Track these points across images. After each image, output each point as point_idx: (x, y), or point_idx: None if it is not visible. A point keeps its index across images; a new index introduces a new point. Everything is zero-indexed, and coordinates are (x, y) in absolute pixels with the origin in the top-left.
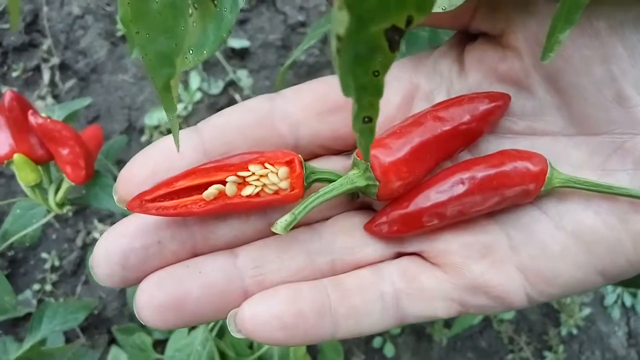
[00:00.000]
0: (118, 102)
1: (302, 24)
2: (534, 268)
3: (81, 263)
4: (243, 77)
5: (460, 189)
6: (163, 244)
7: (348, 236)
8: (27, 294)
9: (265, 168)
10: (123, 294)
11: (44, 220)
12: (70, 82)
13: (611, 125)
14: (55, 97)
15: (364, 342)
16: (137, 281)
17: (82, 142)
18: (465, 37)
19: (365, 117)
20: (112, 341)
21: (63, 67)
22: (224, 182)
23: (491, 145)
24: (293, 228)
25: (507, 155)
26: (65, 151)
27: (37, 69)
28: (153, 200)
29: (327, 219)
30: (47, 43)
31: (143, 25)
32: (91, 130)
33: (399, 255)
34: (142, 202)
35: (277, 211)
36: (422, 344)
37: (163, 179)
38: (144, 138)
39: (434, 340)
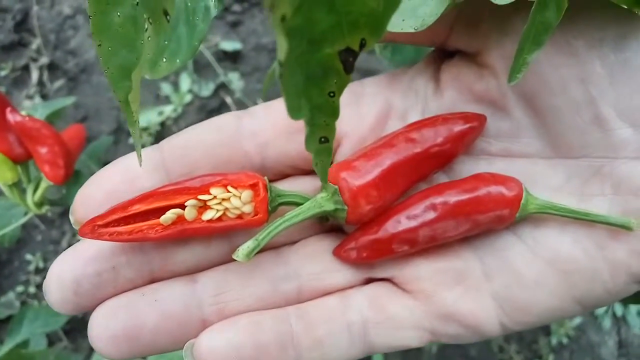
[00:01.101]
0: (107, 103)
1: None
2: (509, 296)
3: None
4: (234, 79)
5: (432, 214)
6: (118, 270)
7: (316, 261)
8: (11, 296)
9: (228, 191)
10: None
11: (22, 220)
12: (59, 82)
13: (589, 149)
14: (44, 96)
15: None
16: (91, 308)
17: (61, 141)
18: (442, 54)
19: (322, 137)
20: None
21: (52, 66)
22: (183, 206)
23: (466, 166)
24: (258, 253)
25: (481, 180)
26: (43, 150)
27: (26, 69)
28: (106, 225)
29: (294, 242)
30: (36, 42)
31: (105, 38)
32: (73, 129)
33: (369, 280)
34: (94, 228)
35: (242, 234)
36: (412, 351)
37: (118, 203)
38: (132, 140)
39: (424, 348)
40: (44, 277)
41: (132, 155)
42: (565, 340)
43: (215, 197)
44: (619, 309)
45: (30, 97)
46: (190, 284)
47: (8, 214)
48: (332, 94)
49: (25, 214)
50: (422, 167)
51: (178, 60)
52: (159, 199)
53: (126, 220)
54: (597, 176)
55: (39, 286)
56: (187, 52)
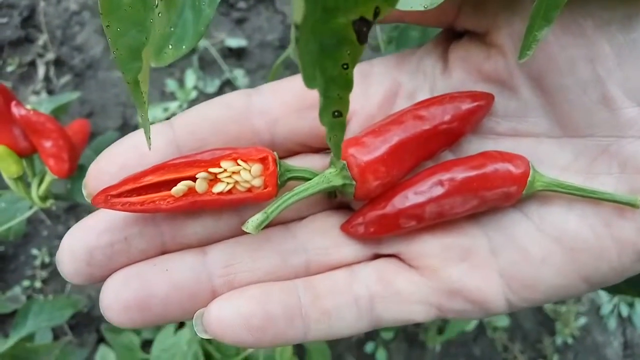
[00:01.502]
0: (113, 99)
1: None
2: (515, 273)
3: None
4: (239, 76)
5: (439, 190)
6: (130, 241)
7: (324, 236)
8: (17, 290)
9: (238, 165)
10: None
11: (27, 214)
12: (65, 78)
13: (596, 128)
14: (50, 92)
15: (356, 347)
16: (104, 279)
17: (66, 135)
18: (450, 35)
19: (335, 111)
20: (101, 340)
21: (58, 62)
22: (194, 179)
23: (473, 145)
24: (266, 227)
25: (488, 157)
26: (48, 144)
27: (33, 64)
28: (119, 195)
29: (303, 218)
30: (43, 38)
31: (114, 19)
32: (77, 124)
33: (376, 256)
34: (107, 198)
35: (251, 209)
36: (415, 350)
37: (131, 174)
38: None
39: (427, 347)
40: (50, 272)
41: (142, 131)
42: (570, 341)
43: (225, 170)
44: (624, 310)
45: (36, 93)
46: (201, 255)
47: (13, 208)
48: (345, 66)
49: (30, 207)
50: (430, 144)
51: (184, 47)
52: (170, 171)
53: (138, 192)
54: (604, 155)
55: (45, 281)
56: (194, 38)
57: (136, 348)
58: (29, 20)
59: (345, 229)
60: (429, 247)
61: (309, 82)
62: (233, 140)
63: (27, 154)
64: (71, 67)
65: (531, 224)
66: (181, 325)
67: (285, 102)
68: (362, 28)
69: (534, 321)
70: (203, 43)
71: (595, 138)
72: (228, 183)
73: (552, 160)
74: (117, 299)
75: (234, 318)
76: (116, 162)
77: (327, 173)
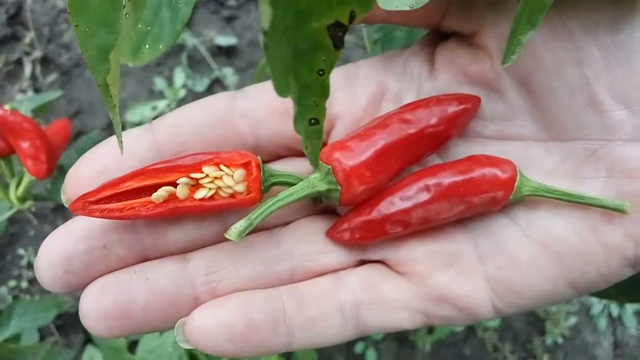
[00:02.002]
0: (100, 98)
1: None
2: (502, 279)
3: None
4: (229, 75)
5: (426, 195)
6: (109, 247)
7: (309, 243)
8: (3, 290)
9: (220, 170)
10: None
11: (7, 215)
12: (52, 76)
13: (584, 131)
14: (37, 90)
15: (346, 347)
16: (82, 287)
17: (44, 136)
18: (437, 36)
19: (312, 118)
20: (88, 340)
21: (45, 60)
22: (175, 184)
23: (460, 149)
24: (250, 233)
25: (475, 162)
26: (25, 144)
27: (19, 62)
28: (98, 202)
29: (287, 223)
30: (29, 36)
31: (82, 19)
32: (58, 124)
33: (362, 262)
34: (85, 204)
35: (234, 214)
36: (405, 350)
37: (110, 180)
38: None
39: (417, 347)
40: None
41: (124, 134)
42: (560, 340)
43: (207, 175)
44: (614, 310)
45: (23, 91)
46: (182, 262)
47: None
48: (321, 72)
49: (11, 208)
50: (416, 148)
51: (161, 46)
52: (150, 177)
53: (117, 198)
54: (591, 159)
55: (32, 281)
56: (170, 37)
57: (123, 349)
58: (15, 17)
59: (331, 234)
60: (416, 253)
61: (281, 90)
62: (216, 144)
63: (4, 155)
64: (58, 66)
65: (518, 230)
66: None
67: (269, 105)
68: (337, 33)
69: (524, 321)
70: (192, 41)
71: (582, 141)
72: (210, 189)
73: (539, 163)
74: (96, 308)
75: (217, 327)
76: (95, 166)
77: (311, 178)
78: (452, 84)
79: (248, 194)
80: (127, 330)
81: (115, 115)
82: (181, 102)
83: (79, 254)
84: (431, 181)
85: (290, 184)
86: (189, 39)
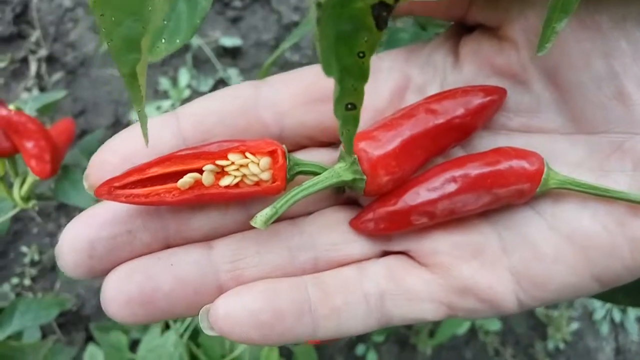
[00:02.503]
0: (105, 97)
1: (297, 24)
2: (526, 271)
3: None
4: (233, 75)
5: (452, 187)
6: (133, 233)
7: (332, 232)
8: (6, 287)
9: (246, 157)
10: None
11: (11, 213)
12: (58, 75)
13: (611, 124)
14: (42, 89)
15: (347, 349)
16: (105, 272)
17: (48, 136)
18: (461, 28)
19: (349, 103)
20: (89, 339)
21: (51, 59)
22: (200, 171)
23: (485, 141)
24: (274, 222)
25: (502, 154)
26: (30, 144)
27: (25, 61)
28: (123, 187)
29: (311, 213)
30: (35, 35)
31: (108, 7)
32: (62, 124)
33: (385, 253)
34: (111, 189)
35: (258, 203)
36: (406, 353)
37: (135, 165)
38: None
39: (418, 350)
40: (40, 270)
41: (149, 121)
42: (562, 345)
43: (233, 163)
44: (617, 315)
45: (28, 90)
46: (207, 250)
47: None
48: (362, 54)
49: (14, 207)
50: (442, 139)
51: (178, 40)
52: (176, 163)
53: (143, 183)
54: (617, 152)
55: (34, 278)
56: (188, 32)
57: (124, 348)
58: (21, 16)
59: (355, 224)
60: (440, 245)
61: (327, 70)
62: (240, 133)
63: (9, 155)
64: (63, 64)
65: (543, 222)
66: (167, 326)
67: (294, 95)
68: (381, 13)
69: (525, 325)
70: (197, 41)
71: (609, 135)
72: (235, 176)
73: (564, 157)
74: (119, 293)
75: (242, 314)
76: (119, 152)
77: (337, 167)
78: (477, 75)
79: (273, 182)
80: (151, 316)
81: (141, 107)
82: (185, 102)
83: (103, 240)
84: (458, 172)
85: (315, 174)
86: (194, 40)
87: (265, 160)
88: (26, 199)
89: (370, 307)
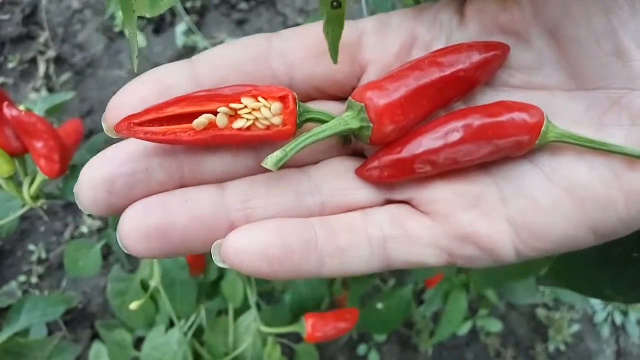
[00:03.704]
0: (112, 97)
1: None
2: (524, 221)
3: None
4: None
5: (455, 136)
6: (150, 171)
7: (339, 179)
8: (13, 285)
9: (258, 102)
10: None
11: (20, 212)
12: (66, 76)
13: (609, 80)
14: (50, 89)
15: (348, 348)
16: (122, 209)
17: (57, 136)
18: None
19: (334, 1)
20: (95, 336)
21: (59, 60)
22: (215, 113)
23: (487, 97)
24: (283, 167)
25: (504, 106)
26: (39, 144)
27: (34, 61)
28: (141, 124)
29: (318, 162)
30: (44, 35)
31: None
32: (70, 124)
33: (389, 202)
34: (130, 125)
35: (268, 149)
36: (407, 353)
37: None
38: None
39: (419, 351)
40: (46, 267)
41: (165, 67)
42: (562, 347)
43: (245, 106)
44: (618, 317)
45: (36, 90)
46: (219, 190)
47: (6, 206)
48: None
49: (23, 206)
50: (446, 90)
51: None
52: (192, 104)
53: (160, 122)
54: (615, 107)
55: (41, 276)
56: None
57: (128, 345)
58: (30, 17)
59: (360, 172)
60: (440, 194)
61: None
62: (253, 81)
63: (18, 154)
64: (71, 65)
65: (541, 174)
66: (172, 324)
67: (304, 47)
68: None
69: (526, 327)
70: (203, 43)
71: (607, 90)
72: (248, 119)
73: (563, 112)
74: (136, 227)
75: (253, 247)
76: (137, 95)
77: (344, 116)
78: (482, 33)
79: (284, 126)
80: (165, 250)
81: (132, 29)
82: None
83: (122, 176)
84: (461, 123)
85: (324, 121)
86: (201, 41)
87: (276, 105)
88: (35, 197)
89: (373, 249)
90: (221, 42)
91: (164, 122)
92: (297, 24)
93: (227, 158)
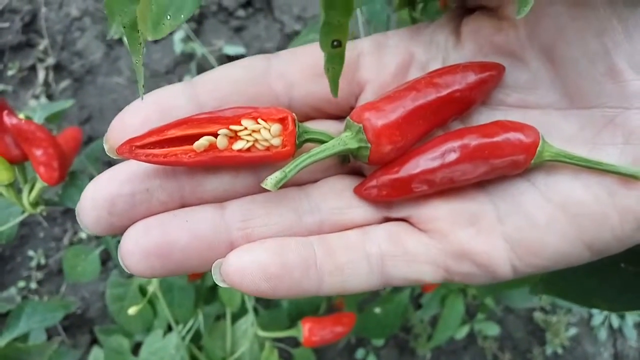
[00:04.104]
0: (111, 104)
1: (298, 34)
2: (520, 238)
3: None
4: None
5: (452, 156)
6: (151, 192)
7: (337, 198)
8: (12, 291)
9: (258, 123)
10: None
11: (20, 219)
12: (65, 83)
13: (603, 99)
14: (50, 96)
15: (347, 352)
16: (123, 229)
17: (56, 144)
18: (463, 10)
19: (335, 40)
20: (94, 341)
21: (58, 67)
22: (215, 135)
23: (483, 116)
24: (283, 187)
25: (501, 126)
26: (39, 152)
27: (33, 69)
28: (143, 146)
29: (317, 181)
30: (43, 43)
31: None
32: (69, 132)
33: (387, 220)
34: (132, 148)
35: (267, 169)
36: (405, 357)
37: (154, 127)
38: None
39: (418, 354)
40: (46, 273)
41: (166, 89)
42: (560, 351)
43: (246, 128)
44: (615, 321)
45: (36, 97)
46: (219, 209)
47: (6, 212)
48: None
49: (23, 212)
50: (443, 111)
51: (182, 16)
52: (193, 126)
53: (161, 144)
54: (609, 126)
55: (40, 282)
56: (192, 6)
57: (126, 351)
58: (30, 25)
59: (358, 191)
60: (438, 212)
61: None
62: (252, 101)
63: (18, 162)
64: (71, 72)
65: (537, 192)
66: (170, 329)
67: (303, 68)
68: None
69: (524, 331)
70: (201, 50)
71: (601, 109)
72: (248, 141)
73: (558, 130)
74: (137, 247)
75: (253, 266)
76: (139, 116)
77: (343, 136)
78: (478, 53)
79: (283, 147)
80: (166, 269)
81: (137, 59)
82: None
83: (123, 197)
84: (457, 143)
85: (323, 141)
86: (199, 48)
87: (276, 127)
88: (34, 204)
89: (372, 267)
90: (219, 49)
91: (165, 144)
92: (294, 31)
93: (227, 178)
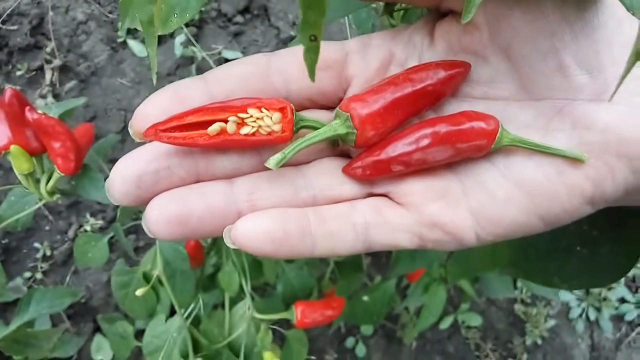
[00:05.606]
0: (115, 104)
1: (294, 39)
2: (483, 211)
3: (72, 254)
4: None
5: (425, 142)
6: (172, 169)
7: (328, 176)
8: (18, 281)
9: (262, 112)
10: (109, 285)
11: (35, 207)
12: (71, 83)
13: (553, 91)
14: (56, 96)
15: (337, 341)
16: (148, 200)
17: (73, 137)
18: (436, 15)
19: (312, 35)
20: (97, 329)
21: (64, 68)
22: (225, 121)
23: (452, 107)
24: (282, 166)
25: (466, 116)
26: (57, 144)
27: (40, 70)
28: (165, 130)
29: (311, 162)
30: (50, 45)
31: None
32: (83, 127)
33: (370, 195)
34: (156, 131)
35: (269, 151)
36: (393, 346)
37: (174, 114)
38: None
39: (404, 343)
40: (51, 264)
41: (182, 82)
42: (539, 341)
43: (251, 116)
44: (592, 314)
45: (43, 97)
46: (229, 184)
47: (22, 201)
48: None
49: (37, 202)
50: (418, 102)
51: (188, 15)
52: (207, 114)
53: (180, 129)
54: (558, 115)
55: (46, 273)
56: (197, 5)
57: (129, 337)
58: (38, 28)
59: (346, 170)
60: (413, 188)
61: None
62: (256, 93)
63: (37, 153)
64: (76, 73)
65: (497, 172)
66: (171, 314)
67: (299, 65)
68: None
69: (505, 322)
70: (201, 54)
71: (552, 100)
72: (253, 127)
73: (516, 119)
74: (161, 215)
75: (258, 231)
76: (160, 106)
77: (333, 123)
78: (448, 52)
79: (283, 133)
80: (184, 234)
81: (152, 50)
82: None
83: (149, 173)
84: (429, 130)
85: (316, 128)
86: (198, 52)
87: (276, 115)
88: (51, 193)
89: (357, 235)
90: (218, 53)
91: (184, 129)
92: (290, 36)
93: (235, 158)
